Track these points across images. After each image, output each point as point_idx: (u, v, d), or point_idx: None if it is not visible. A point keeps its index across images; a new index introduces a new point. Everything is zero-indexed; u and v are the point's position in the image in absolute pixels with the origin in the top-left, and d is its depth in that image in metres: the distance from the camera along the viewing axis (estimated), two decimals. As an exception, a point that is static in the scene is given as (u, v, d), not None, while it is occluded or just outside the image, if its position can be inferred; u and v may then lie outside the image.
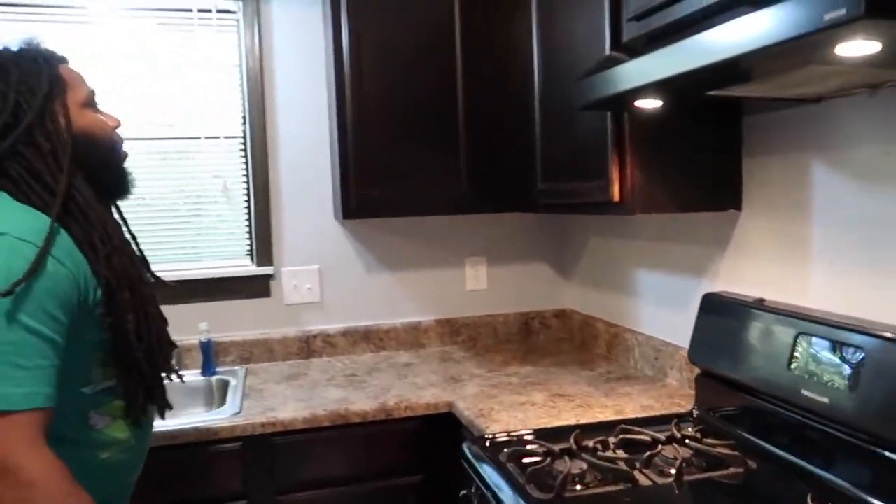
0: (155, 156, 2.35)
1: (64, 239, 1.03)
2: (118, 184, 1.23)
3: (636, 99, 1.44)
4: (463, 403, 1.83)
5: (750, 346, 1.46)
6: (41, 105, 1.08)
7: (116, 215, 1.28)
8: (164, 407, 1.27)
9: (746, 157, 1.66)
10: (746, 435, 1.45)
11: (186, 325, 2.31)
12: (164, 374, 1.26)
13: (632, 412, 1.70)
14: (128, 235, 1.27)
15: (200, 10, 2.33)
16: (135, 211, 2.31)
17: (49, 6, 2.21)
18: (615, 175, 1.61)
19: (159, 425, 1.73)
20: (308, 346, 2.43)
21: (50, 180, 1.05)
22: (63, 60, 1.20)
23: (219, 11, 2.35)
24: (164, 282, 1.35)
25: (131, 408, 1.14)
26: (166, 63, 2.33)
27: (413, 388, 2.01)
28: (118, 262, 1.09)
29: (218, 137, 2.38)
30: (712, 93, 1.32)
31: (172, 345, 1.31)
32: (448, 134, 2.19)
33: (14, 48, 1.15)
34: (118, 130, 1.27)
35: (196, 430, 1.73)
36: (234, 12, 2.37)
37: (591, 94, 1.43)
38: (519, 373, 2.13)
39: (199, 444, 1.74)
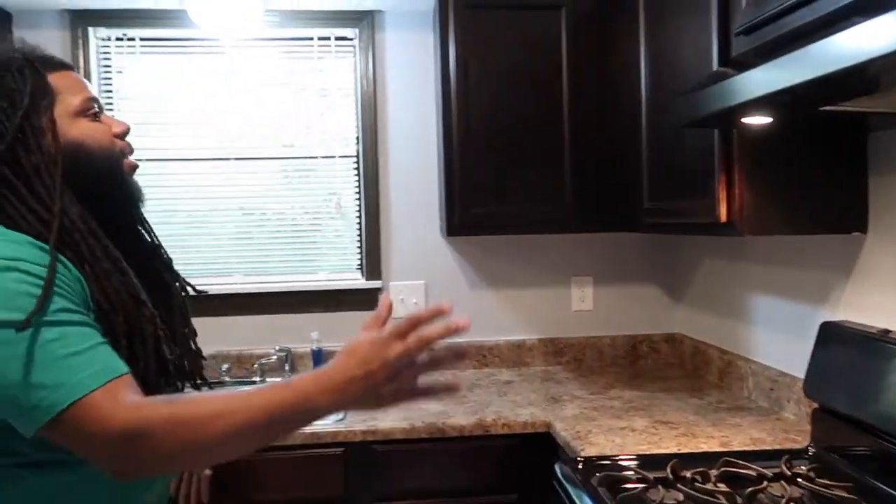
0: (277, 174, 2.51)
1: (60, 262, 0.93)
2: (121, 194, 1.09)
3: (744, 115, 1.38)
4: (561, 424, 1.80)
5: (873, 380, 1.35)
6: (20, 122, 0.96)
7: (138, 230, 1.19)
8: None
9: (873, 177, 1.54)
10: (867, 478, 1.34)
11: (300, 333, 2.45)
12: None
13: (739, 445, 1.61)
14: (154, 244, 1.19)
15: (320, 39, 2.48)
16: (259, 224, 2.49)
17: (188, 38, 2.44)
18: (722, 195, 1.55)
19: (269, 427, 1.84)
20: (412, 360, 2.48)
21: (35, 205, 0.94)
22: (58, 67, 1.05)
23: (337, 39, 2.49)
24: (197, 293, 1.26)
25: None
26: (289, 88, 2.49)
27: (512, 405, 2.01)
28: (108, 284, 0.97)
29: (333, 157, 2.52)
30: (827, 108, 1.24)
31: (197, 356, 1.21)
32: (553, 152, 2.18)
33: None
34: (128, 138, 1.13)
35: (302, 432, 1.83)
36: (350, 39, 2.50)
37: (697, 110, 1.39)
38: (622, 397, 2.07)
39: (304, 447, 1.83)
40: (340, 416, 1.94)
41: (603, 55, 2.17)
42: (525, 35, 2.18)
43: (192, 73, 2.46)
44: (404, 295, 2.51)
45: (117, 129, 1.08)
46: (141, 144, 2.40)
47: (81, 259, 0.95)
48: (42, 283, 0.87)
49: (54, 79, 1.02)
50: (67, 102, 1.02)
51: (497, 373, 2.45)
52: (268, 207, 2.51)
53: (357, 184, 2.53)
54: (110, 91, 2.45)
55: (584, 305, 2.56)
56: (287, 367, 2.36)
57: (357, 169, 2.52)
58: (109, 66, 2.44)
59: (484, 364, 2.51)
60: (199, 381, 1.19)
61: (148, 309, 1.00)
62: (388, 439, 1.86)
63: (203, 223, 2.49)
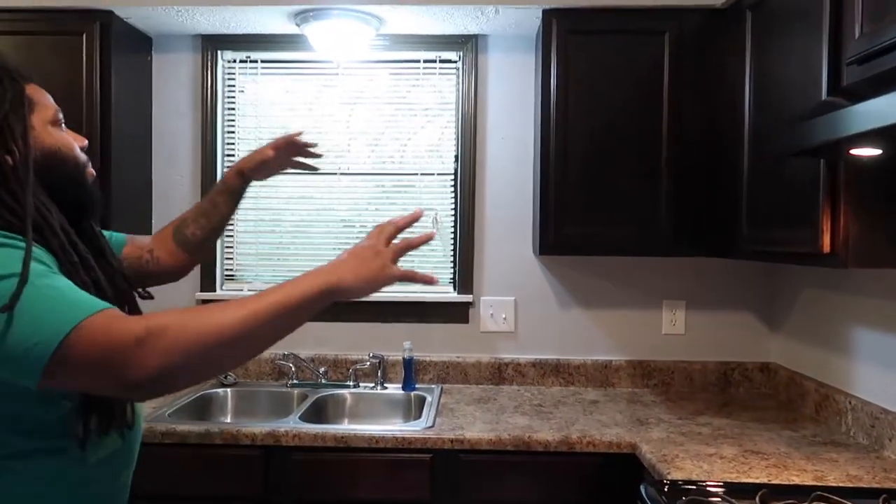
0: (377, 189, 2.64)
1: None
2: (84, 199, 1.15)
3: (855, 147, 1.37)
4: (647, 446, 1.81)
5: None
6: (4, 123, 1.01)
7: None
8: (122, 426, 1.09)
9: None
10: (974, 524, 1.28)
11: (393, 341, 2.56)
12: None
13: (834, 481, 1.57)
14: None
15: (426, 61, 2.60)
16: (358, 236, 2.62)
17: (303, 60, 2.62)
18: (826, 225, 1.53)
19: (364, 429, 1.94)
20: (500, 373, 2.54)
21: (9, 199, 0.98)
22: (29, 79, 1.11)
23: (441, 61, 2.61)
24: (144, 296, 1.30)
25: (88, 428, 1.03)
26: (393, 107, 2.62)
27: (597, 424, 2.03)
28: (76, 277, 1.01)
29: (432, 174, 2.62)
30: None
31: None
32: (651, 176, 2.20)
33: None
34: (84, 149, 1.19)
35: (394, 436, 1.92)
36: (454, 61, 2.61)
37: (806, 140, 1.39)
38: (711, 423, 2.05)
39: (394, 450, 1.92)
40: (430, 423, 2.02)
41: (705, 80, 2.17)
42: (627, 59, 2.21)
43: (305, 92, 2.64)
44: (494, 310, 2.57)
45: (81, 143, 1.17)
46: None
47: (52, 253, 0.99)
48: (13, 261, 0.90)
49: (29, 89, 1.08)
50: (43, 112, 1.09)
51: (583, 391, 2.47)
52: (367, 220, 2.64)
53: (453, 200, 2.62)
54: (233, 108, 2.66)
55: (675, 329, 2.54)
56: (380, 374, 2.47)
57: (454, 186, 2.62)
58: (233, 85, 2.66)
59: (570, 382, 2.53)
60: None
61: (111, 302, 1.01)
62: (474, 449, 1.92)
63: (306, 233, 2.65)
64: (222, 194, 1.54)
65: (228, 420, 2.40)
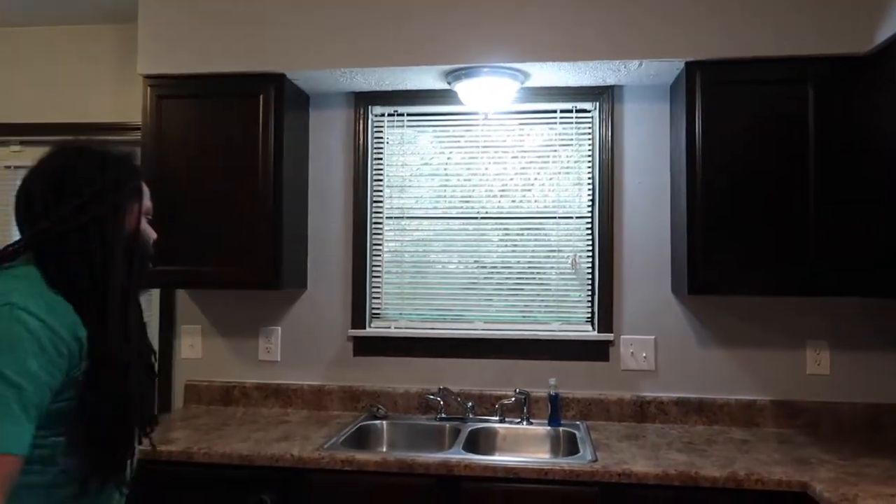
0: (511, 231, 2.78)
1: (67, 311, 1.16)
2: (148, 280, 1.45)
3: None
4: (821, 486, 1.84)
5: None
6: (120, 202, 1.27)
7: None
8: (121, 485, 1.27)
9: None
10: None
11: (536, 378, 2.66)
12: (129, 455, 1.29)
13: None
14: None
15: (562, 111, 2.75)
16: (494, 276, 2.74)
17: (447, 113, 2.81)
18: None
19: (533, 460, 2.04)
20: (642, 411, 2.60)
21: (99, 273, 1.21)
22: (142, 175, 1.37)
23: (577, 111, 2.75)
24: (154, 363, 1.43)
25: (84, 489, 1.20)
26: (531, 154, 2.77)
27: (758, 463, 2.06)
28: (120, 343, 1.21)
29: (570, 217, 2.74)
30: None
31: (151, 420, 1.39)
32: (796, 215, 2.26)
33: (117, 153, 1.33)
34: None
35: (562, 469, 2.01)
36: (590, 111, 2.74)
37: None
38: (876, 465, 2.05)
39: (562, 482, 2.01)
40: (593, 457, 2.10)
41: (853, 117, 2.23)
42: (769, 105, 2.29)
43: (448, 141, 2.82)
44: (634, 348, 2.65)
45: (155, 237, 1.41)
46: (402, 204, 2.78)
47: (106, 314, 1.19)
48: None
49: (140, 183, 1.35)
50: (146, 205, 1.36)
51: (728, 430, 2.50)
52: (505, 262, 2.78)
53: (589, 242, 2.73)
54: (380, 157, 2.87)
55: (820, 370, 2.54)
56: (525, 409, 2.57)
57: (590, 229, 2.73)
58: (381, 137, 2.87)
59: (713, 421, 2.56)
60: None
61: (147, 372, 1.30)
62: (641, 483, 1.98)
63: (449, 273, 2.80)
64: None
65: (384, 450, 2.54)
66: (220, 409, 2.78)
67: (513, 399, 2.60)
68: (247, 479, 2.14)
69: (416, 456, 2.10)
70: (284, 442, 2.26)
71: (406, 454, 2.12)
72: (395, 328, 2.81)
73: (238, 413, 2.72)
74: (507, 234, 2.79)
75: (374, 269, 2.85)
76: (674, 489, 1.97)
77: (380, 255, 2.85)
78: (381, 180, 2.87)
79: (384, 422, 2.60)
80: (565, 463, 2.05)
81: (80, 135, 2.97)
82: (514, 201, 2.79)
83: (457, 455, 2.12)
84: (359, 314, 2.81)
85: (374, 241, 2.85)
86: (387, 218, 2.85)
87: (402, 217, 2.84)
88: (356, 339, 2.81)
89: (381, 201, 2.86)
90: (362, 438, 2.50)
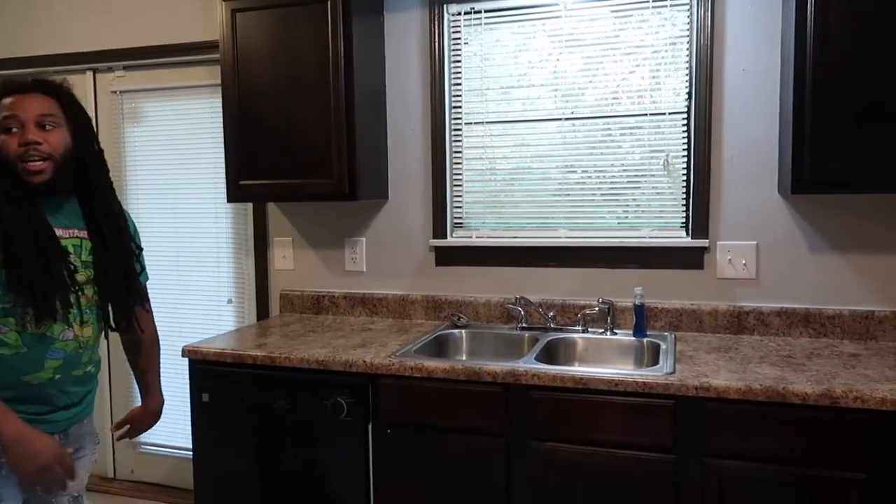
0: (600, 132, 2.58)
1: None
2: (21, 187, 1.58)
3: None
4: (932, 405, 1.61)
5: None
6: None
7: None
8: (51, 314, 1.58)
9: None
10: None
11: (622, 287, 2.52)
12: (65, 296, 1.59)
13: None
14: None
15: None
16: (581, 181, 2.59)
17: (527, 7, 2.60)
18: None
19: (603, 371, 1.94)
20: (739, 322, 2.40)
21: None
22: (20, 90, 1.61)
23: (672, -9, 2.44)
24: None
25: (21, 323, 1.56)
26: (621, 47, 2.52)
27: (864, 379, 1.84)
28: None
29: (663, 114, 2.50)
30: None
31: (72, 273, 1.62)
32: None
33: None
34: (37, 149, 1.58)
35: (634, 381, 1.90)
36: (686, -10, 2.43)
37: None
38: None
39: (635, 395, 1.91)
40: (671, 369, 1.97)
41: None
42: (902, -35, 1.91)
43: (528, 39, 2.62)
44: (732, 255, 2.42)
45: (14, 148, 1.57)
46: (482, 108, 2.65)
47: None
48: None
49: (7, 101, 1.59)
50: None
51: (838, 343, 2.25)
52: (591, 164, 2.60)
53: (685, 140, 2.48)
54: (458, 60, 2.73)
55: (957, 278, 2.20)
56: (609, 320, 2.45)
57: (686, 125, 2.47)
58: (458, 38, 2.72)
59: (821, 333, 2.32)
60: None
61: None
62: (720, 397, 1.84)
63: (533, 179, 2.67)
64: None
65: (463, 358, 2.54)
66: (311, 318, 2.90)
67: (596, 309, 2.48)
68: (324, 382, 2.22)
69: (483, 364, 2.07)
70: (361, 349, 2.31)
71: (474, 362, 2.09)
72: (477, 237, 2.74)
73: (327, 321, 2.82)
74: (595, 136, 2.59)
75: (455, 177, 2.77)
76: (757, 405, 1.81)
77: (460, 163, 2.76)
78: (459, 84, 2.74)
79: (464, 331, 2.58)
80: (638, 374, 1.93)
81: (178, 55, 3.07)
82: (602, 99, 2.57)
83: (526, 364, 2.07)
84: (440, 224, 2.77)
85: (455, 149, 2.76)
86: (466, 124, 2.74)
87: (483, 122, 2.72)
88: (438, 248, 2.78)
89: (459, 106, 2.74)
90: (440, 346, 2.51)
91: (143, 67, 3.20)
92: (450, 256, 2.76)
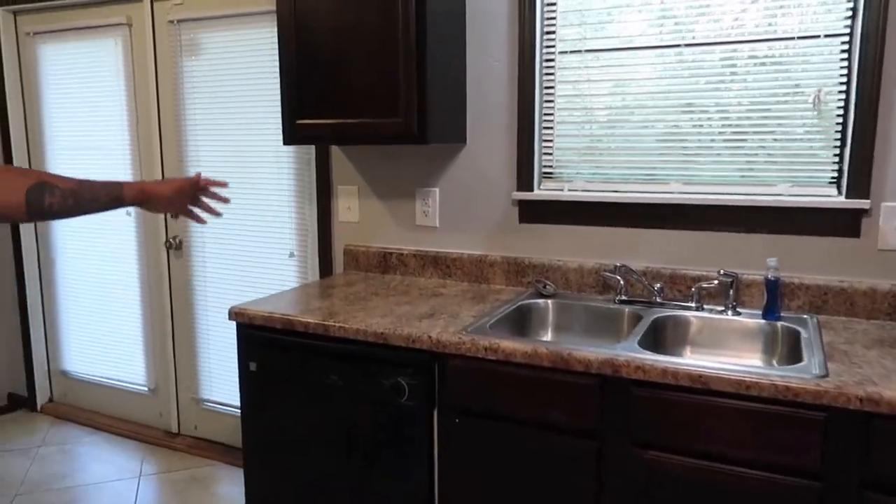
0: (726, 61, 2.06)
1: None
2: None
3: None
4: None
5: None
6: None
7: None
8: None
9: None
10: None
11: (748, 257, 2.04)
12: None
13: None
14: None
15: None
16: (699, 124, 2.09)
17: None
18: None
19: (731, 369, 1.51)
20: (905, 307, 1.89)
21: None
22: None
23: None
24: None
25: None
26: (763, -51, 1.98)
27: None
28: None
29: (815, 37, 1.95)
30: None
31: None
32: None
33: None
34: None
35: (773, 384, 1.46)
36: None
37: None
38: None
39: (775, 402, 1.47)
40: (822, 370, 1.51)
41: None
42: None
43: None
44: (901, 221, 1.89)
45: None
46: (579, 33, 2.17)
47: None
48: None
49: None
50: None
51: None
52: (710, 103, 2.09)
53: (844, 72, 1.93)
54: (552, -25, 2.26)
55: None
56: (731, 295, 1.99)
57: (846, 52, 1.92)
58: (553, -53, 2.24)
59: None
60: None
61: None
62: (893, 414, 1.38)
63: (641, 122, 2.19)
64: (108, 198, 1.40)
65: (549, 335, 2.16)
66: (376, 277, 2.57)
67: (715, 282, 2.02)
68: (384, 358, 1.90)
69: (574, 349, 1.67)
70: (428, 320, 1.96)
71: (561, 346, 1.70)
72: (570, 190, 2.31)
73: (394, 282, 2.49)
74: (720, 66, 2.08)
75: (546, 118, 2.33)
76: (950, 428, 1.34)
77: (552, 101, 2.31)
78: (553, 5, 2.27)
79: (550, 301, 2.19)
80: (778, 375, 1.49)
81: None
82: (731, 19, 2.05)
83: (628, 352, 1.65)
84: (526, 174, 2.35)
85: (546, 83, 2.31)
86: (560, 53, 2.28)
87: (581, 51, 2.25)
88: (522, 203, 2.37)
89: (553, 31, 2.28)
90: (522, 319, 2.13)
91: (201, -6, 2.89)
92: (536, 212, 2.35)
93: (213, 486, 2.94)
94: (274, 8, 2.55)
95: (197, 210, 1.65)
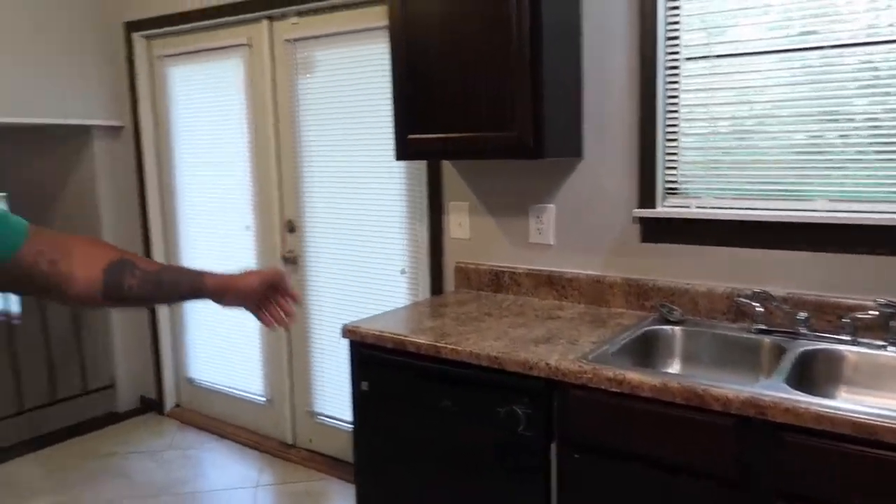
0: (880, 65, 1.82)
1: None
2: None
3: None
4: None
5: None
6: None
7: None
8: None
9: None
10: None
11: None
12: None
13: None
14: None
15: None
16: (842, 136, 1.87)
17: None
18: None
19: (892, 415, 1.30)
20: None
21: None
22: None
23: None
24: None
25: None
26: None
27: None
28: None
29: None
30: None
31: None
32: None
33: None
34: None
35: (959, 439, 1.24)
36: None
37: None
38: None
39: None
40: None
41: None
42: None
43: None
44: None
45: None
46: (707, 38, 1.99)
47: None
48: None
49: None
50: None
51: None
52: (859, 111, 1.86)
53: None
54: (680, -25, 2.10)
55: None
56: (893, 327, 1.75)
57: None
58: (681, -55, 2.08)
59: None
60: None
61: None
62: None
63: (779, 133, 1.99)
64: (189, 287, 1.27)
65: (677, 366, 1.99)
66: (489, 296, 2.49)
67: (872, 312, 1.79)
68: (498, 384, 1.81)
69: (710, 385, 1.51)
70: (545, 344, 1.86)
71: (696, 381, 1.54)
72: (697, 207, 2.13)
73: (506, 302, 2.40)
74: (871, 70, 1.85)
75: (669, 129, 2.17)
76: None
77: (676, 111, 2.15)
78: (677, 7, 2.11)
79: (678, 328, 2.02)
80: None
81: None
82: (881, 17, 1.81)
83: (774, 391, 1.47)
84: (648, 189, 2.19)
85: (669, 92, 2.15)
86: (686, 59, 2.11)
87: (708, 56, 2.07)
88: (644, 220, 2.21)
89: (676, 37, 2.12)
90: (646, 347, 1.98)
91: (316, 12, 2.94)
92: (660, 231, 2.19)
93: (325, 502, 2.96)
94: (386, 23, 2.54)
95: (267, 314, 1.45)
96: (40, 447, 3.55)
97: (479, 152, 2.16)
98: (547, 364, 1.72)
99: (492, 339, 1.93)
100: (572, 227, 2.36)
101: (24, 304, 4.35)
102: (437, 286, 2.71)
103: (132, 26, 3.59)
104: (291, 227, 3.23)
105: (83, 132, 3.74)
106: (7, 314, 4.28)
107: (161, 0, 3.42)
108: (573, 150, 2.26)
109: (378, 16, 2.70)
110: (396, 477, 2.06)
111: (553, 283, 2.40)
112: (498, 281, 2.52)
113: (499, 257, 2.54)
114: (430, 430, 1.96)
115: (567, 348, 1.82)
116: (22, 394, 3.77)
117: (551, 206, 2.39)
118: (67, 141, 3.84)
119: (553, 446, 1.75)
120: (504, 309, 2.30)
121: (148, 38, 3.63)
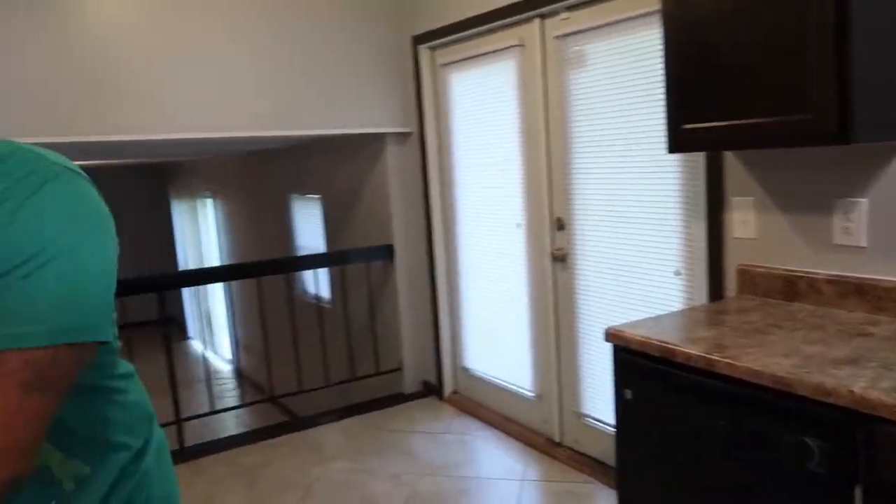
0: None
1: None
2: None
3: None
4: None
5: None
6: None
7: None
8: None
9: None
10: None
11: None
12: None
13: None
14: None
15: None
16: None
17: None
18: None
19: None
20: None
21: None
22: None
23: None
24: None
25: None
26: None
27: None
28: None
29: None
30: None
31: None
32: None
33: None
34: None
35: None
36: None
37: None
38: None
39: None
40: None
41: None
42: None
43: None
44: None
45: None
46: None
47: None
48: None
49: None
50: None
51: None
52: None
53: None
54: None
55: None
56: None
57: None
58: None
59: None
60: None
61: None
62: None
63: None
64: None
65: None
66: (778, 305, 2.18)
67: None
68: (784, 410, 1.56)
69: None
70: (848, 367, 1.55)
71: None
72: None
73: (802, 313, 2.07)
74: None
75: None
76: None
77: None
78: None
79: None
80: None
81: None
82: None
83: None
84: None
85: None
86: None
87: None
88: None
89: None
90: None
91: (585, 4, 2.85)
92: None
93: (588, 506, 2.89)
94: (658, 7, 2.36)
95: None
96: (341, 417, 4.05)
97: (766, 140, 1.89)
98: (850, 391, 1.43)
99: (779, 355, 1.67)
100: (892, 226, 1.94)
101: (332, 290, 5.00)
102: (715, 291, 2.45)
103: (418, 39, 3.89)
104: (561, 225, 3.20)
105: (378, 139, 4.17)
106: (319, 298, 4.96)
107: (443, 12, 3.64)
108: (892, 131, 1.85)
109: (651, 0, 2.53)
110: (659, 490, 1.90)
111: (864, 293, 2.00)
112: (791, 288, 2.19)
113: (793, 260, 2.20)
114: (699, 449, 1.77)
115: (879, 374, 1.50)
116: (328, 367, 4.34)
117: (863, 200, 2.00)
118: (366, 148, 4.32)
119: (858, 491, 1.45)
120: (798, 321, 1.98)
121: (431, 48, 3.89)
